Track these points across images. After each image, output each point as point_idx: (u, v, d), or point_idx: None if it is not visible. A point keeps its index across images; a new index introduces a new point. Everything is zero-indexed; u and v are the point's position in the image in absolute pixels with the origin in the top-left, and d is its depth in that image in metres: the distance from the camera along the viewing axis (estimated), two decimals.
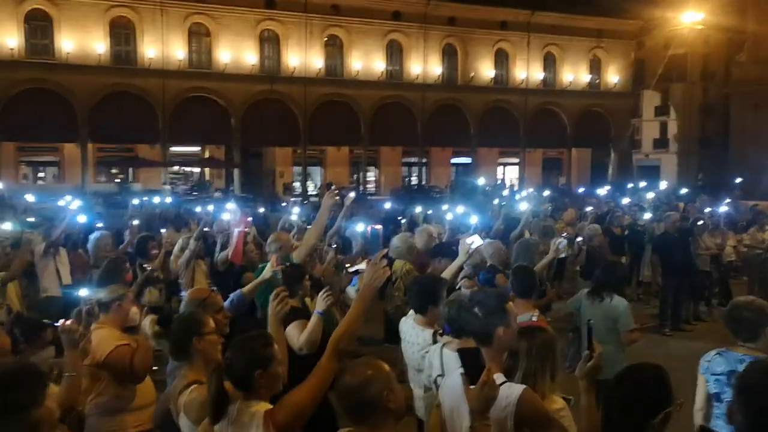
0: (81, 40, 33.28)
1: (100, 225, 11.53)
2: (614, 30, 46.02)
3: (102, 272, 6.27)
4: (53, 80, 32.63)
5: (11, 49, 31.76)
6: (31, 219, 10.70)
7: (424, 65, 41.34)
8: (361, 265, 8.33)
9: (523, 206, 12.73)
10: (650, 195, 20.10)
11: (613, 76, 46.93)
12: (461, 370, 3.05)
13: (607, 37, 46.01)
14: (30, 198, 18.48)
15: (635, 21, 46.16)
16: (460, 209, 12.85)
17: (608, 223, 12.79)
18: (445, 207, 15.58)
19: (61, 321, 3.39)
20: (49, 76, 32.49)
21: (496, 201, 17.30)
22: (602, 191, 23.99)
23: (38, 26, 32.85)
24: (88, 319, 3.83)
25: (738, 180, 20.54)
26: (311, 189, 39.48)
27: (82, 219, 9.75)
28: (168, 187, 34.55)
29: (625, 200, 19.27)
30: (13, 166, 35.33)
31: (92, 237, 8.55)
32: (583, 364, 2.87)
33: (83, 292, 4.27)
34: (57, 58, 32.97)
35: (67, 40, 32.94)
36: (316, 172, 43.57)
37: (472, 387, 2.60)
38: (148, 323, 3.40)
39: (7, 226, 8.07)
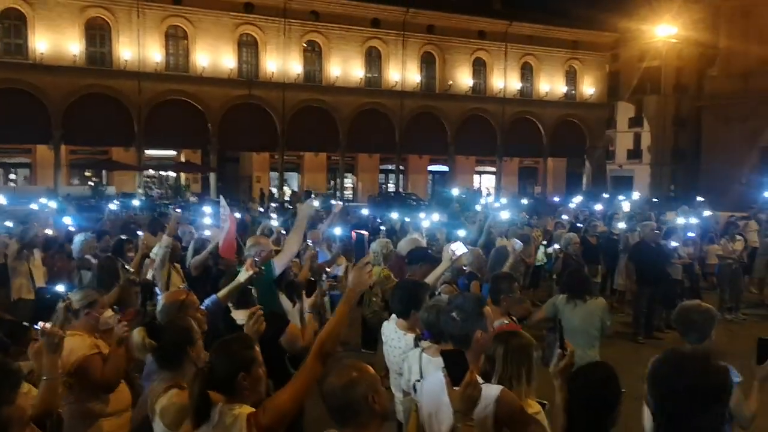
0: (55, 41, 32.87)
1: (72, 228, 11.41)
2: (590, 42, 46.65)
3: (98, 272, 6.33)
4: (26, 80, 32.15)
5: None
6: (9, 224, 10.53)
7: (403, 73, 41.51)
8: (340, 268, 8.37)
9: (504, 215, 12.86)
10: (626, 205, 20.36)
11: (588, 88, 47.52)
12: (442, 371, 3.08)
13: (583, 48, 46.62)
14: (1, 200, 18.17)
15: (610, 33, 46.87)
16: (437, 217, 12.94)
17: (585, 232, 12.93)
18: (422, 215, 15.65)
19: (41, 324, 3.34)
20: (22, 76, 32.02)
21: (478, 207, 17.41)
22: (575, 201, 24.20)
23: (12, 25, 32.41)
24: (66, 320, 3.78)
25: (699, 198, 21.04)
26: (287, 195, 39.30)
27: (68, 221, 9.66)
28: (141, 190, 34.18)
29: (598, 206, 19.52)
30: None
31: (77, 239, 8.46)
32: (556, 361, 2.93)
33: (68, 294, 4.21)
34: (31, 58, 32.53)
35: (41, 40, 32.52)
36: (293, 177, 43.48)
37: (455, 388, 2.63)
38: (137, 335, 3.34)
39: None
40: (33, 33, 32.53)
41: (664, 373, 2.12)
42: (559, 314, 6.16)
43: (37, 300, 8.06)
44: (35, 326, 3.40)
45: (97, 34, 34.32)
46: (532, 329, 6.58)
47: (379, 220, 17.55)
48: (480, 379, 3.04)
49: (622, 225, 13.58)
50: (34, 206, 15.83)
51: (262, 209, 22.38)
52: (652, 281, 10.99)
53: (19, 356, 3.97)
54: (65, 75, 32.71)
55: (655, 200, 27.11)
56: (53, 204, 13.10)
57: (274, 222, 11.45)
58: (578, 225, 14.71)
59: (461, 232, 10.50)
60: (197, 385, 2.76)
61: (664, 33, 43.24)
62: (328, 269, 7.63)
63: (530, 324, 6.41)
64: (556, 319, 5.78)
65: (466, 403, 2.61)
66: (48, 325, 3.36)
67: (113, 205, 16.35)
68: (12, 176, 37.58)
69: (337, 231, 8.94)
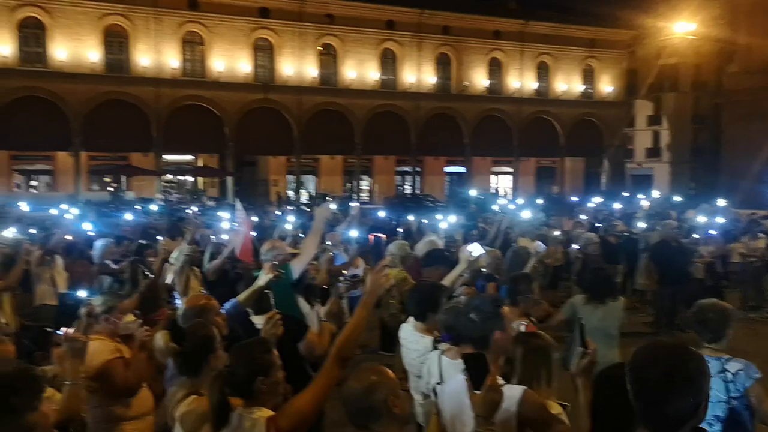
0: (74, 48, 33.25)
1: (91, 233, 11.54)
2: (607, 40, 46.36)
3: (129, 275, 6.51)
4: (46, 88, 32.55)
5: (4, 57, 31.75)
6: (33, 230, 10.69)
7: (418, 74, 41.49)
8: (358, 270, 8.39)
9: (526, 215, 12.81)
10: (646, 203, 20.16)
11: (606, 86, 47.20)
12: (463, 375, 3.07)
13: (600, 46, 46.33)
14: (24, 206, 18.42)
15: (628, 31, 46.52)
16: (453, 219, 12.92)
17: (604, 231, 12.83)
18: (439, 216, 15.65)
19: (64, 329, 3.38)
20: (43, 84, 32.42)
21: (496, 206, 17.40)
22: (594, 201, 24.00)
23: (31, 34, 32.83)
24: (89, 325, 3.82)
25: (721, 201, 20.77)
26: (304, 198, 39.38)
27: (88, 227, 9.79)
28: (160, 195, 34.43)
29: (617, 206, 19.39)
30: (6, 174, 35.24)
31: (97, 244, 8.57)
32: (578, 360, 2.90)
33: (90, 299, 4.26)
34: (50, 66, 32.93)
35: (60, 48, 32.91)
36: (310, 180, 43.58)
37: (476, 392, 2.61)
38: (160, 338, 3.38)
39: (10, 233, 8.05)
40: (52, 41, 32.93)
41: (639, 361, 2.18)
42: (577, 314, 6.10)
43: (60, 305, 8.16)
44: (58, 331, 3.44)
45: (116, 41, 34.67)
46: (553, 331, 6.54)
47: (394, 222, 17.53)
48: (501, 380, 3.03)
49: (642, 224, 13.46)
50: (53, 212, 16.04)
51: (279, 212, 22.45)
52: (673, 280, 10.88)
53: (44, 361, 4.02)
54: (84, 82, 33.07)
55: (679, 199, 26.72)
56: (75, 210, 13.28)
57: (289, 225, 11.49)
58: (597, 225, 14.60)
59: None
60: (216, 389, 2.78)
61: (682, 29, 42.82)
62: (345, 272, 7.64)
63: (550, 326, 6.37)
64: (576, 318, 5.72)
65: (487, 407, 2.59)
66: (71, 330, 3.40)
67: (129, 216, 16.49)
68: (34, 183, 38.01)
69: (353, 233, 8.95)
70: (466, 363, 2.68)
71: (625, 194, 29.20)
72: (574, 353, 2.97)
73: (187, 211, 20.51)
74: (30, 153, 35.70)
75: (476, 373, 2.63)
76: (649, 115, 52.87)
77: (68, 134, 33.11)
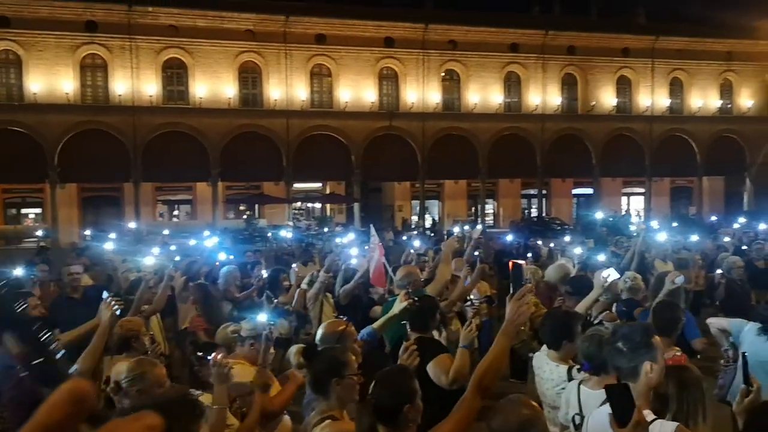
0: (212, 86, 35.41)
1: (231, 257, 12.12)
2: (746, 52, 43.53)
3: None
4: (187, 124, 34.79)
5: (150, 96, 34.30)
6: (176, 257, 11.40)
7: (543, 96, 40.77)
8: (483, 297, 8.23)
9: (662, 237, 12.23)
10: None
11: (746, 100, 44.29)
12: (607, 408, 2.92)
13: (738, 59, 43.60)
14: (165, 234, 19.71)
15: None
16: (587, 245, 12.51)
17: (750, 255, 11.93)
18: (567, 239, 15.22)
19: (213, 355, 3.55)
20: (184, 120, 34.69)
21: (633, 228, 16.66)
22: (739, 222, 22.40)
23: (174, 74, 35.32)
24: (267, 344, 4.01)
25: None
26: (428, 222, 39.51)
27: (222, 256, 10.28)
28: (291, 222, 35.67)
29: (762, 226, 18.07)
30: (151, 204, 37.87)
31: (222, 271, 8.99)
32: (740, 399, 2.71)
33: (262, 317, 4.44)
34: (191, 103, 35.21)
35: (200, 86, 35.17)
36: (434, 205, 43.73)
37: (622, 430, 2.45)
38: (293, 352, 3.52)
39: (150, 261, 8.61)
40: (193, 80, 35.25)
41: None
42: (742, 341, 5.53)
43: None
44: (207, 357, 3.62)
45: (249, 77, 36.59)
46: (702, 361, 6.10)
47: (529, 242, 17.13)
48: (651, 415, 2.86)
49: None
50: (192, 242, 17.04)
51: (405, 237, 22.60)
52: None
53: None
54: (221, 117, 35.11)
55: None
56: (215, 239, 14.06)
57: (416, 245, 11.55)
58: (743, 248, 13.62)
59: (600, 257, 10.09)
60: (366, 417, 2.80)
61: None
62: (471, 296, 7.54)
63: (710, 324, 5.98)
64: (738, 349, 5.23)
65: None
66: (219, 356, 3.57)
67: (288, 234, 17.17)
68: (175, 212, 40.68)
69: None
70: (609, 395, 2.53)
71: None
72: (734, 388, 2.78)
73: (322, 239, 21.16)
74: (173, 184, 38.28)
75: (621, 407, 2.46)
76: None
77: (207, 166, 35.16)
